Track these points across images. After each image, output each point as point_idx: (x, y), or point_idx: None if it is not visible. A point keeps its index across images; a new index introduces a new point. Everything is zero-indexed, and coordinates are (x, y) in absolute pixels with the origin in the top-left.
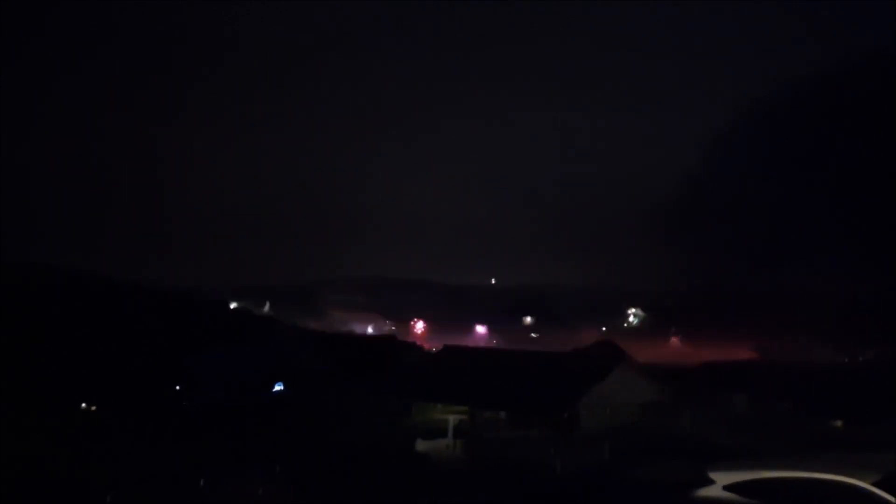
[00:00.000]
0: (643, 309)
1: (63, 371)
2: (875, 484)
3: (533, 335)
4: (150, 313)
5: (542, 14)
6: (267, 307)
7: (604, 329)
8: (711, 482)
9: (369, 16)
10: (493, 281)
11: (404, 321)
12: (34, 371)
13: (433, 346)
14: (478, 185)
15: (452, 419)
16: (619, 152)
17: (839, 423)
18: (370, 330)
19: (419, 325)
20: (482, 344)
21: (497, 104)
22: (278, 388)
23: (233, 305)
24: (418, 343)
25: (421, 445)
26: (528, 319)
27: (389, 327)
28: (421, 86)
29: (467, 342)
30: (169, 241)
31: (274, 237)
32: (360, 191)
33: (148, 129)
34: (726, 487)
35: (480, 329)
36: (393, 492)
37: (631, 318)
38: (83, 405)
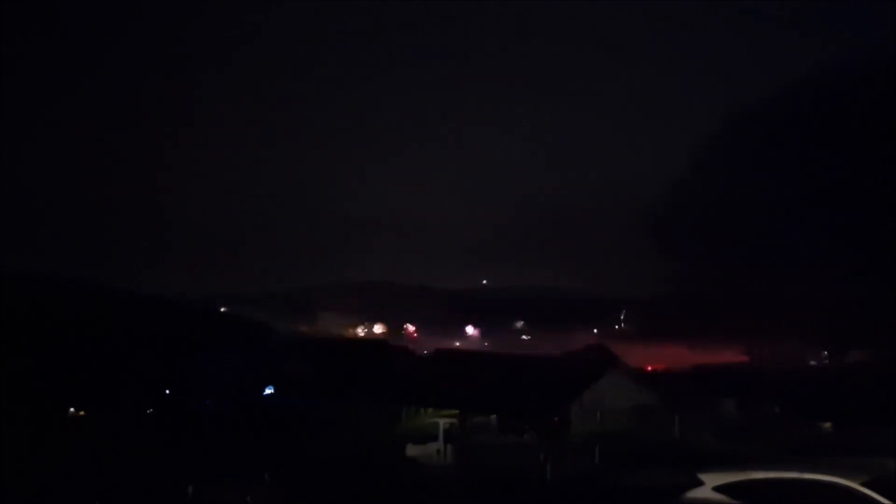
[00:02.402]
0: (635, 312)
1: (51, 376)
2: (865, 485)
3: (525, 338)
4: (140, 318)
5: (533, 20)
6: (258, 312)
7: (595, 332)
8: (700, 483)
9: (364, 21)
10: (485, 282)
11: (396, 325)
12: (21, 376)
13: (425, 350)
14: (469, 188)
15: (443, 424)
16: (612, 155)
17: (828, 425)
18: (361, 334)
19: (411, 329)
20: (474, 347)
21: (489, 108)
22: (269, 392)
23: (223, 310)
24: (410, 347)
25: (411, 450)
26: (520, 322)
27: (381, 331)
28: (412, 91)
29: (459, 345)
30: (159, 246)
31: (265, 241)
32: (351, 195)
33: (137, 137)
34: (715, 489)
35: (472, 332)
36: (382, 497)
37: (622, 322)
38: (71, 410)
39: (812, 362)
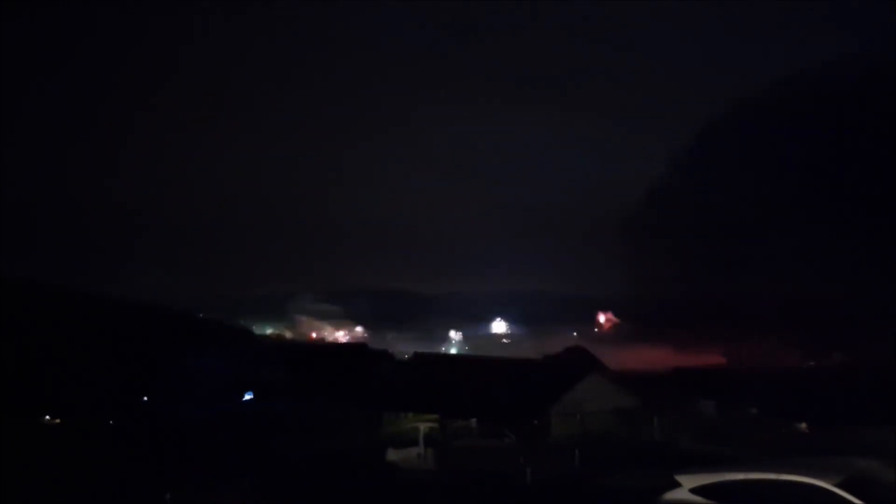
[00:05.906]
0: (615, 315)
1: (25, 382)
2: (838, 485)
3: (505, 341)
4: (117, 323)
5: (510, 20)
6: (237, 317)
7: (575, 335)
8: (678, 485)
9: (345, 16)
10: (465, 287)
11: (376, 329)
12: None
13: (405, 354)
14: (449, 192)
15: (423, 428)
16: (592, 158)
17: (804, 426)
18: (342, 338)
19: (391, 333)
20: (454, 351)
21: (468, 111)
22: (248, 397)
23: (202, 315)
24: (390, 351)
25: (391, 455)
26: (500, 325)
27: (361, 335)
28: (392, 94)
29: (439, 349)
30: (137, 251)
31: (244, 247)
32: (331, 200)
33: (115, 141)
34: (692, 490)
35: (453, 336)
36: (363, 502)
37: (602, 324)
38: (46, 417)
39: (791, 364)
